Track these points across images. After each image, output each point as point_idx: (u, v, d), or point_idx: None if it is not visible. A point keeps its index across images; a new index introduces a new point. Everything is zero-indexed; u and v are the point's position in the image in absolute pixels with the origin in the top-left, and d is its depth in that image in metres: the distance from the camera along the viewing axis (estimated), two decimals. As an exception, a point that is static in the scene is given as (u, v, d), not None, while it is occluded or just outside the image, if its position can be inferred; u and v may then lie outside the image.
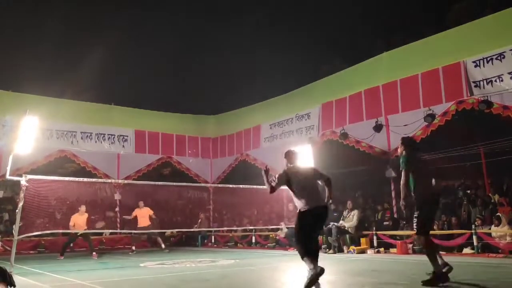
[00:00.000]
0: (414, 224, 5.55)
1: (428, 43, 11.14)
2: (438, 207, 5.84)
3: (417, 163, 5.68)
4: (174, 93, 26.83)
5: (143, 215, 13.39)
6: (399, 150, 6.04)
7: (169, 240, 17.05)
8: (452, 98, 10.35)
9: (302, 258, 5.27)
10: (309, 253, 5.28)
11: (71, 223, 11.90)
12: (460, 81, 10.18)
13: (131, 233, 15.61)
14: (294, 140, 14.02)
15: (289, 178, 5.41)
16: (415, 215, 5.54)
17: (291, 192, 5.45)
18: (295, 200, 5.43)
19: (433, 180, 5.68)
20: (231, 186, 12.55)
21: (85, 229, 11.91)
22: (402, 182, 5.52)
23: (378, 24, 24.23)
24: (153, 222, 13.41)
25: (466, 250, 9.50)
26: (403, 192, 5.52)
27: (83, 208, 12.26)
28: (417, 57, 11.26)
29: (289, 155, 5.65)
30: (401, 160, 5.65)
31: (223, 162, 17.55)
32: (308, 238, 5.45)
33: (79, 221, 11.95)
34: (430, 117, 10.52)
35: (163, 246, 13.57)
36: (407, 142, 5.92)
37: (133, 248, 13.63)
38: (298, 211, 5.39)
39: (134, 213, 13.52)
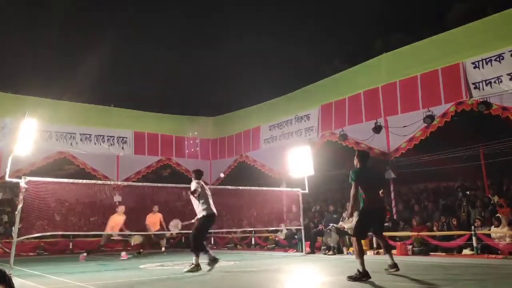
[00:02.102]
0: (353, 227, 6.43)
1: (427, 45, 11.17)
2: (377, 219, 6.51)
3: (366, 177, 6.23)
4: (174, 95, 26.83)
5: (155, 221, 13.07)
6: (354, 162, 6.50)
7: (168, 242, 17.05)
8: (452, 99, 10.37)
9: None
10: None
11: (111, 223, 12.01)
12: (459, 82, 10.20)
13: (130, 235, 15.60)
14: (294, 141, 14.03)
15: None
16: (356, 220, 6.38)
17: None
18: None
19: (381, 192, 6.36)
20: (230, 187, 12.52)
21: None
22: (351, 193, 6.16)
23: (377, 25, 24.25)
24: (162, 227, 13.14)
25: (466, 251, 9.50)
26: (351, 203, 6.19)
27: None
28: (417, 59, 11.28)
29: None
30: (352, 172, 6.25)
31: (222, 164, 17.54)
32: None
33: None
34: (430, 118, 10.53)
35: (163, 248, 13.50)
36: (362, 156, 6.51)
37: (141, 250, 13.20)
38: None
39: (147, 220, 13.08)
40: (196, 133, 17.84)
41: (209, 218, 7.89)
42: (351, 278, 5.79)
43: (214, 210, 7.94)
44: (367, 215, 6.19)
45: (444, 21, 18.34)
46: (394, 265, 6.27)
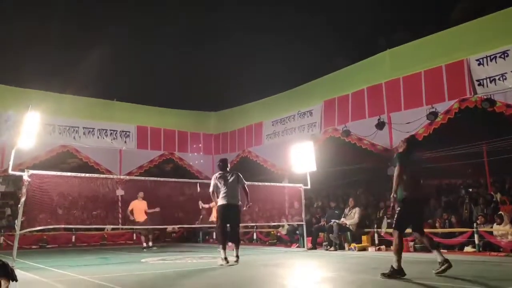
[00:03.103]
0: (394, 220, 5.93)
1: (431, 41, 11.10)
2: (418, 212, 6.13)
3: (410, 162, 5.99)
4: (176, 89, 26.83)
5: (142, 208, 12.77)
6: (400, 148, 6.30)
7: (170, 236, 17.12)
8: (455, 96, 10.31)
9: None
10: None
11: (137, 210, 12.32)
12: (463, 79, 10.15)
13: (132, 229, 15.65)
14: (296, 137, 14.01)
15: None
16: (396, 210, 5.95)
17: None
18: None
19: (421, 181, 6.15)
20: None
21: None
22: (396, 173, 5.83)
23: (381, 21, 24.16)
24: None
25: (468, 249, 9.49)
26: (395, 184, 5.82)
27: (141, 194, 12.66)
28: (420, 55, 11.22)
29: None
30: (397, 156, 6.03)
31: (225, 159, 17.54)
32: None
33: (139, 207, 12.47)
34: (433, 115, 10.49)
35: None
36: (411, 141, 6.31)
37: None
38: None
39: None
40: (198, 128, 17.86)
41: (219, 210, 7.86)
42: (385, 275, 5.53)
43: (224, 201, 7.79)
44: (409, 205, 5.83)
45: (448, 17, 18.26)
46: (446, 261, 5.68)
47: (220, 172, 8.08)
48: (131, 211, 12.69)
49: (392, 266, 5.55)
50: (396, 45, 12.04)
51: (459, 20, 11.04)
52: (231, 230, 7.96)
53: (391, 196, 5.93)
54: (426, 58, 11.02)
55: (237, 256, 7.53)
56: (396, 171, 5.86)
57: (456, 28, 10.71)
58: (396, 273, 5.51)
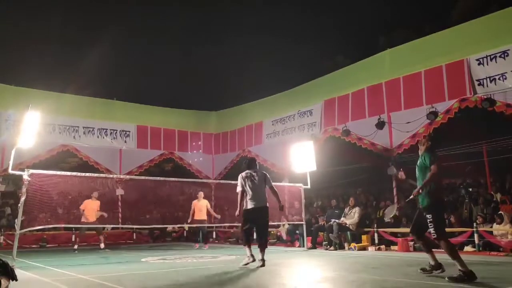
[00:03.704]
0: (431, 230, 5.50)
1: (431, 40, 11.10)
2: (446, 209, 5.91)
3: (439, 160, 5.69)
4: (176, 89, 26.85)
5: (93, 208, 12.32)
6: (423, 145, 5.94)
7: (171, 235, 17.12)
8: (455, 95, 10.31)
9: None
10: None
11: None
12: (463, 79, 10.15)
13: (132, 228, 15.64)
14: (296, 136, 14.02)
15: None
16: (429, 219, 5.50)
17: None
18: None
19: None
20: (233, 182, 12.50)
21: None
22: (432, 173, 5.48)
23: (381, 21, 24.15)
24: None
25: (467, 248, 9.50)
26: (428, 183, 5.49)
27: (95, 194, 12.30)
28: (420, 54, 11.22)
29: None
30: (427, 153, 5.69)
31: (225, 158, 17.57)
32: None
33: (91, 206, 12.11)
34: (433, 114, 10.49)
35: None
36: (434, 138, 6.17)
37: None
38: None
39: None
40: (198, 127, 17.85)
41: (246, 213, 7.52)
42: (453, 279, 5.16)
43: (252, 205, 7.45)
44: (442, 207, 5.65)
45: (448, 16, 18.26)
46: (439, 266, 5.69)
47: (247, 171, 7.71)
48: (84, 211, 12.25)
49: (460, 270, 5.21)
50: (396, 44, 12.04)
51: (459, 20, 11.04)
52: (258, 234, 7.69)
53: (417, 190, 5.58)
54: (426, 57, 11.02)
55: (263, 260, 7.17)
56: (433, 169, 5.50)
57: (456, 28, 10.71)
58: (466, 276, 5.14)
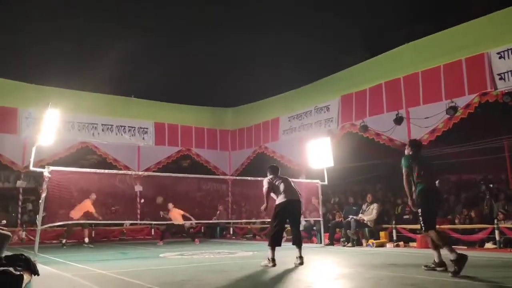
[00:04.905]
0: (421, 223, 5.87)
1: (451, 34, 10.89)
2: (439, 203, 6.20)
3: (420, 161, 6.00)
4: (193, 86, 26.97)
5: (81, 208, 12.44)
6: (406, 151, 6.32)
7: (188, 232, 17.25)
8: (475, 90, 10.11)
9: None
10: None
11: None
12: (483, 72, 9.94)
13: (150, 223, 15.82)
14: (313, 132, 13.95)
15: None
16: (419, 214, 5.87)
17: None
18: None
19: (437, 182, 6.08)
20: (249, 178, 12.54)
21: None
22: (403, 178, 5.92)
23: (399, 14, 23.82)
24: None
25: (488, 245, 9.35)
26: (407, 192, 5.91)
27: (93, 196, 12.61)
28: (439, 48, 11.02)
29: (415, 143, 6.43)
30: (404, 159, 6.01)
31: (241, 155, 17.61)
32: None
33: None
34: (453, 109, 10.31)
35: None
36: (414, 143, 6.35)
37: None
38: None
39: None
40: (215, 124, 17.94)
41: (280, 207, 7.19)
42: (454, 273, 5.24)
43: (285, 198, 7.19)
44: (428, 196, 5.75)
45: (468, 10, 17.90)
46: (441, 264, 5.77)
47: (273, 175, 7.65)
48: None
49: (452, 261, 5.34)
50: (415, 38, 11.84)
51: (480, 12, 10.81)
52: (293, 230, 7.52)
53: (409, 202, 6.04)
54: (445, 52, 10.82)
55: (301, 257, 7.01)
56: (403, 174, 5.93)
57: (476, 21, 10.48)
58: (459, 262, 5.29)
